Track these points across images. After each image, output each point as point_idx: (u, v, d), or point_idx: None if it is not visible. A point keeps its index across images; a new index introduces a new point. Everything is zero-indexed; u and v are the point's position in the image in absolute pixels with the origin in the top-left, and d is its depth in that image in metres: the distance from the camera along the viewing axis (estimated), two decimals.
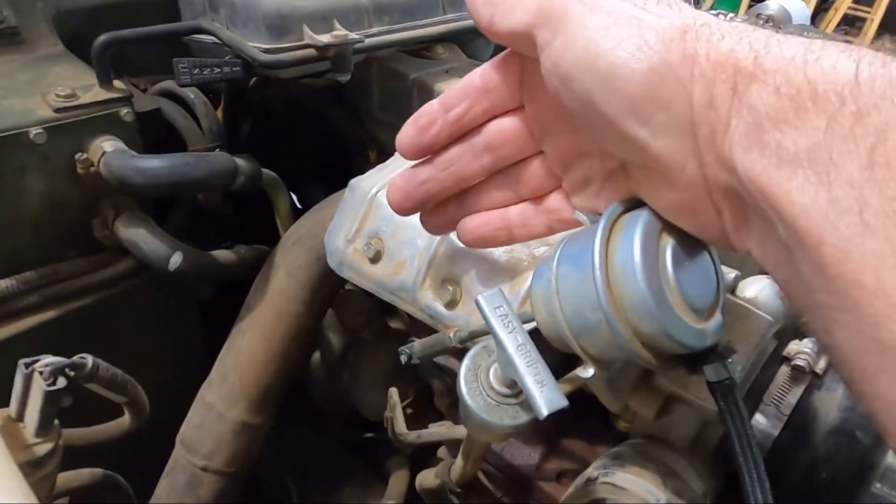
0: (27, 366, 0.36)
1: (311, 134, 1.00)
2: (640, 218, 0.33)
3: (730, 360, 0.33)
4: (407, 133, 0.37)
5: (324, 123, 0.97)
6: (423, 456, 0.81)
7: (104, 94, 0.64)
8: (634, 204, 0.35)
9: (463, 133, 0.36)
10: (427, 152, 0.37)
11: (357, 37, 0.68)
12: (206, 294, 0.86)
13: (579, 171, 0.35)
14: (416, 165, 0.38)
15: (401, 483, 0.85)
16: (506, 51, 0.36)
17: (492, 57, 1.06)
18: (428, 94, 0.83)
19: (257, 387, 0.72)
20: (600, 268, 0.32)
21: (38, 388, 0.35)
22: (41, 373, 0.35)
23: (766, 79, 0.24)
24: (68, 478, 0.44)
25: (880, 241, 0.20)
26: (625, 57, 0.26)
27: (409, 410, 0.72)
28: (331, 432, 0.98)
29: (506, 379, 0.34)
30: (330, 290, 0.73)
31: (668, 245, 0.33)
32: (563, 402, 0.30)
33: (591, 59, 0.27)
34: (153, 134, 0.73)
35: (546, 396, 0.30)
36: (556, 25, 0.28)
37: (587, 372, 0.35)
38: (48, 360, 0.36)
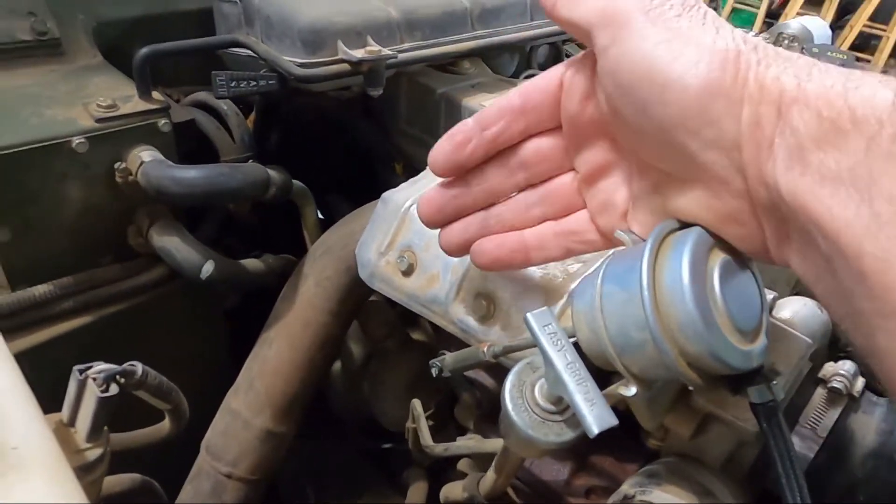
0: (81, 372, 0.37)
1: (337, 145, 1.01)
2: (689, 238, 0.33)
3: (774, 382, 0.34)
4: (442, 149, 0.38)
5: (351, 135, 0.98)
6: (440, 468, 0.81)
7: (143, 105, 0.65)
8: (681, 224, 0.36)
9: (498, 151, 0.37)
10: (461, 170, 0.38)
11: (390, 52, 0.69)
12: (231, 302, 0.87)
13: (609, 190, 0.36)
14: (449, 181, 0.39)
15: (420, 494, 0.85)
16: (545, 72, 0.36)
17: (516, 72, 1.06)
18: (455, 109, 0.84)
19: (283, 395, 0.73)
20: (648, 288, 0.32)
21: (92, 394, 0.36)
22: (94, 379, 0.36)
23: (809, 102, 0.26)
24: (110, 483, 0.44)
25: None
26: (681, 71, 0.28)
27: (429, 422, 0.72)
28: (350, 441, 0.98)
29: (551, 396, 0.34)
30: (357, 300, 0.74)
31: (716, 266, 0.33)
32: (614, 421, 0.31)
33: (648, 70, 0.29)
34: (186, 144, 0.74)
35: (596, 414, 0.30)
36: (617, 31, 0.30)
37: (630, 390, 0.36)
38: (101, 366, 0.37)
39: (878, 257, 0.23)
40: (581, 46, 1.19)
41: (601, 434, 0.32)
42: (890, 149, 0.23)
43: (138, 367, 0.39)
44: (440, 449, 0.60)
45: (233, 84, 0.65)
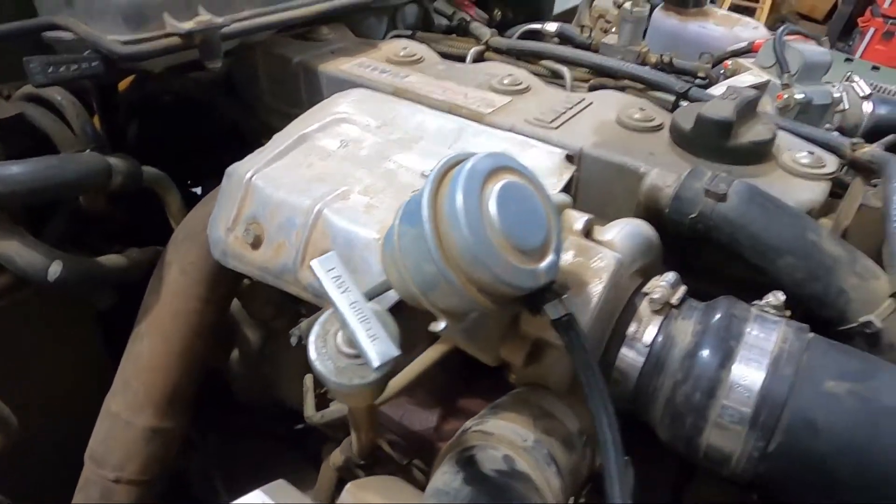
0: None
1: (205, 127, 0.97)
2: (464, 169, 0.33)
3: (565, 295, 0.35)
4: None
5: (216, 115, 0.94)
6: None
7: None
8: (463, 157, 0.36)
9: None
10: None
11: (222, 21, 0.66)
12: (106, 302, 0.83)
13: None
14: None
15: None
16: None
17: (386, 35, 1.03)
18: (313, 77, 0.82)
19: (163, 390, 0.70)
20: (429, 220, 0.33)
21: None
22: None
23: None
24: None
25: None
26: None
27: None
28: (259, 427, 0.97)
29: (350, 339, 0.34)
30: (228, 283, 0.71)
31: (494, 192, 0.34)
32: (395, 352, 0.31)
33: None
34: (19, 142, 0.69)
35: (378, 349, 0.30)
36: None
37: (438, 325, 0.36)
38: None
39: None
40: (451, 3, 1.16)
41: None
42: None
43: None
44: (318, 417, 0.60)
45: (50, 70, 0.61)
